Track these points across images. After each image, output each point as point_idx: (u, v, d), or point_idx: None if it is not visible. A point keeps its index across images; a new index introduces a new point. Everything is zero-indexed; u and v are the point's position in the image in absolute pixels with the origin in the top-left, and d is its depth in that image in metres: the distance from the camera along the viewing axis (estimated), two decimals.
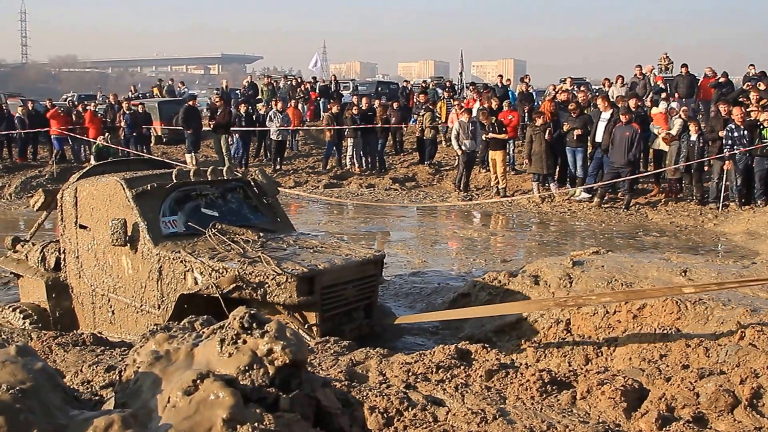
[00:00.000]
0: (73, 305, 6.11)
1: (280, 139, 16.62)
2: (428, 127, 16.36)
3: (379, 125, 16.32)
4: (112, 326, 5.80)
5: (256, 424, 1.48)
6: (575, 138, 12.69)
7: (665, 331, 4.55)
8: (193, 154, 16.52)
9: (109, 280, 5.70)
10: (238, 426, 1.47)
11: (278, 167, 16.49)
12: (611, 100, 13.80)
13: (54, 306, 6.15)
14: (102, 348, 4.73)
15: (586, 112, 13.45)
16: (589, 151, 13.03)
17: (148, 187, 5.50)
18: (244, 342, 1.66)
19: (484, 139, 13.93)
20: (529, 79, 19.00)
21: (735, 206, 11.54)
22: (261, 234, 5.62)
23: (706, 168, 12.23)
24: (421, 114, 16.97)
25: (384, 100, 19.50)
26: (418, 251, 9.50)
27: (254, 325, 1.69)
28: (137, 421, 1.50)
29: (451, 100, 18.37)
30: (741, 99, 13.83)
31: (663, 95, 15.82)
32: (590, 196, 12.71)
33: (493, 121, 13.70)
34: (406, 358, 3.95)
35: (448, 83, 23.05)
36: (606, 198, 12.56)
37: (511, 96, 17.73)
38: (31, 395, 1.47)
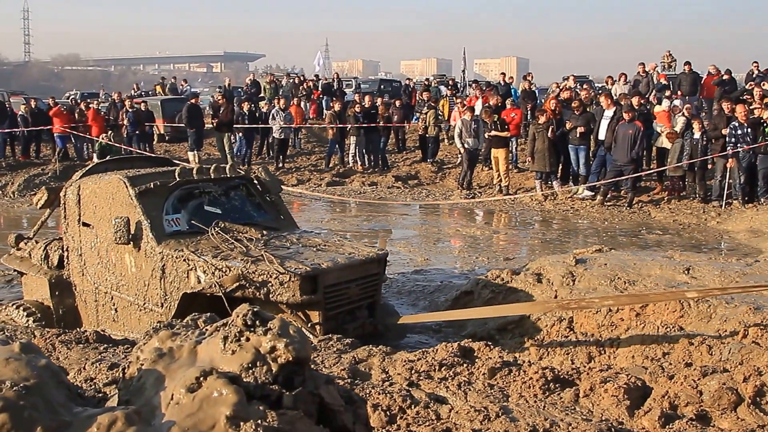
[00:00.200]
0: (77, 303, 6.11)
1: (282, 137, 16.64)
2: (432, 124, 16.35)
3: (382, 123, 16.33)
4: (115, 324, 5.80)
5: (259, 422, 1.48)
6: (578, 136, 12.65)
7: (668, 329, 4.55)
8: (195, 152, 16.54)
9: (112, 278, 5.71)
10: (242, 423, 1.47)
11: (281, 165, 16.50)
12: (614, 97, 13.78)
13: (57, 304, 6.16)
14: (105, 345, 4.75)
15: (588, 109, 13.42)
16: (592, 148, 13.01)
17: (151, 185, 5.49)
18: (248, 339, 1.66)
19: (486, 137, 13.91)
20: (532, 77, 18.95)
21: (738, 204, 11.51)
22: (264, 232, 5.60)
23: (709, 166, 12.21)
24: (424, 112, 16.97)
25: (386, 98, 19.52)
26: (421, 249, 9.50)
27: (257, 322, 1.68)
28: (141, 418, 1.50)
29: (454, 98, 18.36)
30: (744, 96, 13.79)
31: (666, 93, 15.79)
32: (593, 194, 12.68)
33: (495, 119, 13.68)
34: (409, 355, 3.95)
35: (450, 81, 23.00)
36: (609, 196, 12.54)
37: (513, 94, 17.73)
38: (35, 392, 1.47)
